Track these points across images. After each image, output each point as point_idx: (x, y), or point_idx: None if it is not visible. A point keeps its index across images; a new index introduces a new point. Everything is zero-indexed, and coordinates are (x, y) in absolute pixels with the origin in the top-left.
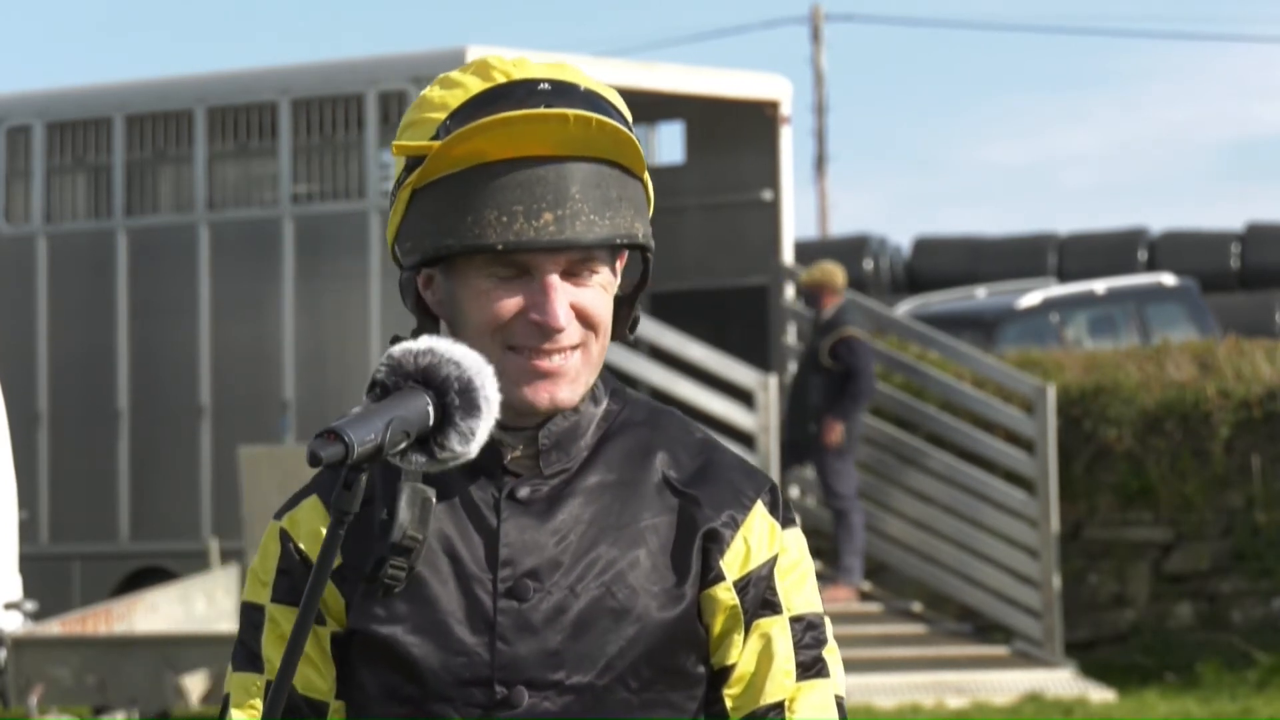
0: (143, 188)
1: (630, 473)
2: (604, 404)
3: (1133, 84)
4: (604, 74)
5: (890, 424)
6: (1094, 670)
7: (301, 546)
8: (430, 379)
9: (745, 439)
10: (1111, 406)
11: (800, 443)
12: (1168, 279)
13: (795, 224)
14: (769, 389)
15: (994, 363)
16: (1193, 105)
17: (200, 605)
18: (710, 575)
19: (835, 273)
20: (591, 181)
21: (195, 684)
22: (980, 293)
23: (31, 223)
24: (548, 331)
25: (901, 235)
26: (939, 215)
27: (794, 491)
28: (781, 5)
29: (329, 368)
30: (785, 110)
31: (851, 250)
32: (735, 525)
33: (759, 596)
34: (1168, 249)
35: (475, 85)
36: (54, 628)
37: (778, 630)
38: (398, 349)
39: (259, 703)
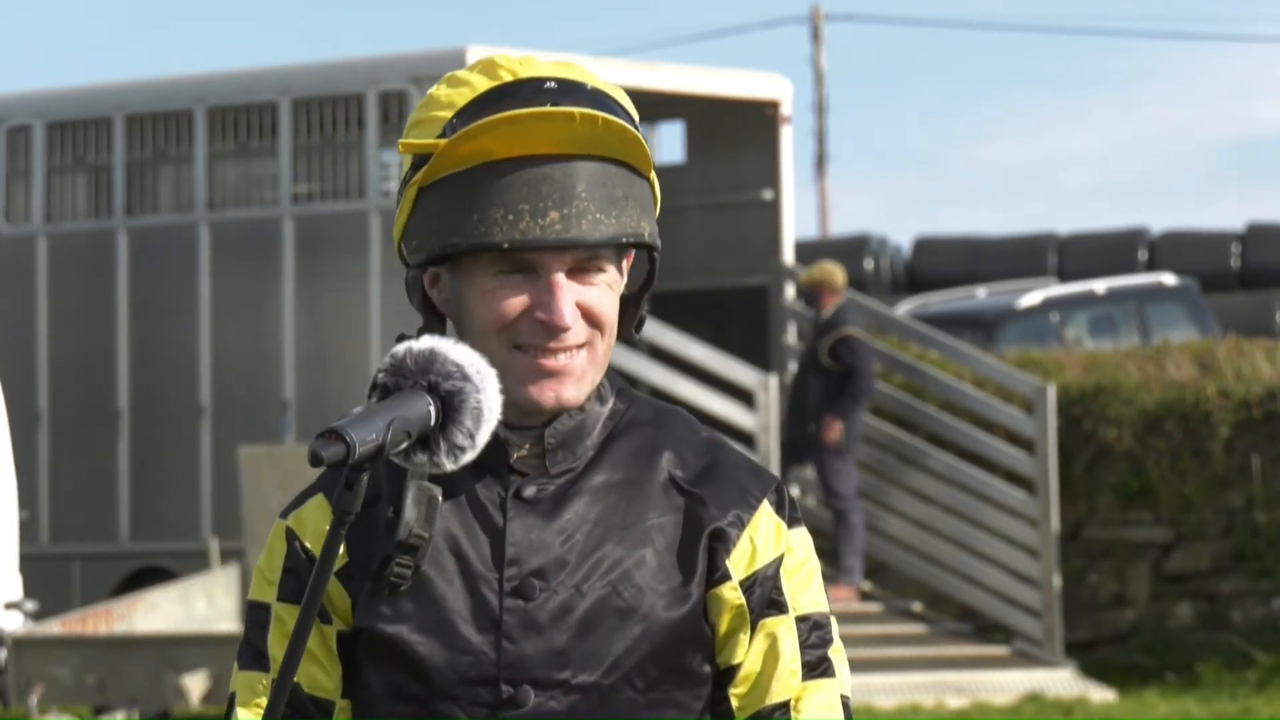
0: (143, 188)
1: (636, 472)
2: (610, 403)
3: (1133, 84)
4: (605, 74)
5: (890, 424)
6: (1094, 670)
7: (307, 545)
8: (432, 379)
9: (745, 439)
10: (1111, 406)
11: (800, 442)
12: (1168, 279)
13: (795, 224)
14: (769, 389)
15: (994, 363)
16: (1193, 105)
17: (200, 605)
18: (716, 575)
19: (835, 272)
20: (598, 180)
21: (195, 684)
22: (980, 293)
23: (31, 223)
24: (553, 330)
25: (901, 235)
26: (939, 215)
27: (794, 491)
28: (781, 5)
29: (329, 368)
30: (785, 110)
31: (851, 250)
32: (741, 525)
33: (765, 596)
34: (1168, 249)
35: (482, 84)
36: (54, 628)
37: (784, 630)
38: (400, 349)
39: (265, 701)
